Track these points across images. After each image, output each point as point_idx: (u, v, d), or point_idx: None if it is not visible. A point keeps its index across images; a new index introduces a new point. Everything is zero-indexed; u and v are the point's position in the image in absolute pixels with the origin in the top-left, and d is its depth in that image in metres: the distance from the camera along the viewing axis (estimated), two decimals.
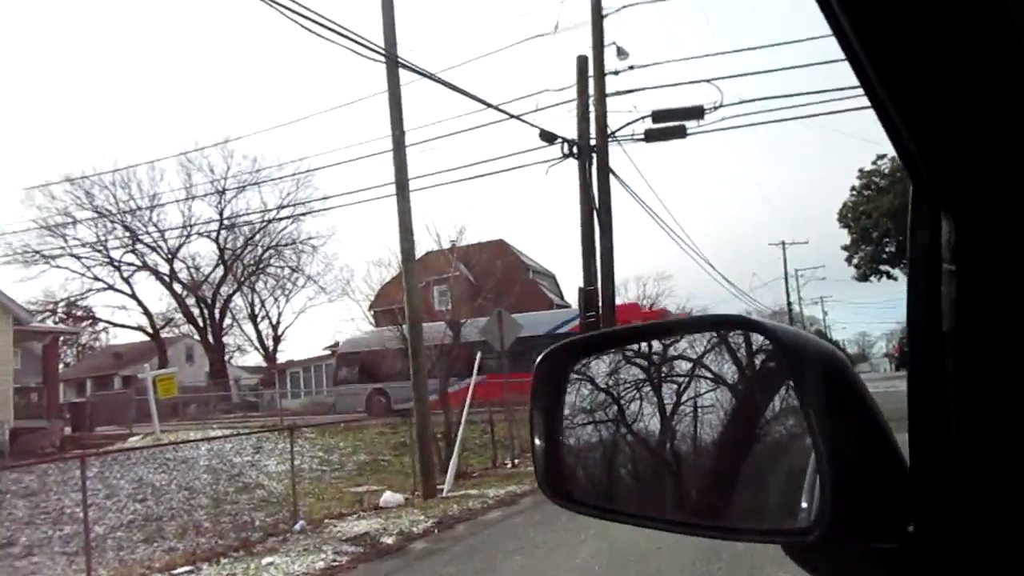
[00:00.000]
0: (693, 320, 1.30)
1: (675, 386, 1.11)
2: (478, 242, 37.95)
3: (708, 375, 1.08)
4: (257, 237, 44.78)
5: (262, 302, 48.92)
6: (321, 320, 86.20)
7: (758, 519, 0.96)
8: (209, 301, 44.43)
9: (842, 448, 0.79)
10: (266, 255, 45.79)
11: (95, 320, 44.84)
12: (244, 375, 49.85)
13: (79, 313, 43.40)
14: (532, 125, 17.20)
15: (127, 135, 72.28)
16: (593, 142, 18.71)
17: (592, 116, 18.88)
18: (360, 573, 8.18)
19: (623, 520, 1.08)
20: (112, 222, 40.38)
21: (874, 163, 43.44)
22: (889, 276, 44.54)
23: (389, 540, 9.50)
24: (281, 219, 43.56)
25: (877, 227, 42.58)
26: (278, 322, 49.65)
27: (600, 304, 18.50)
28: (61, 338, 25.93)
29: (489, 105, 15.99)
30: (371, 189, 39.46)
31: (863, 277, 45.62)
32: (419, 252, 40.91)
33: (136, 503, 14.10)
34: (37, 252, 37.29)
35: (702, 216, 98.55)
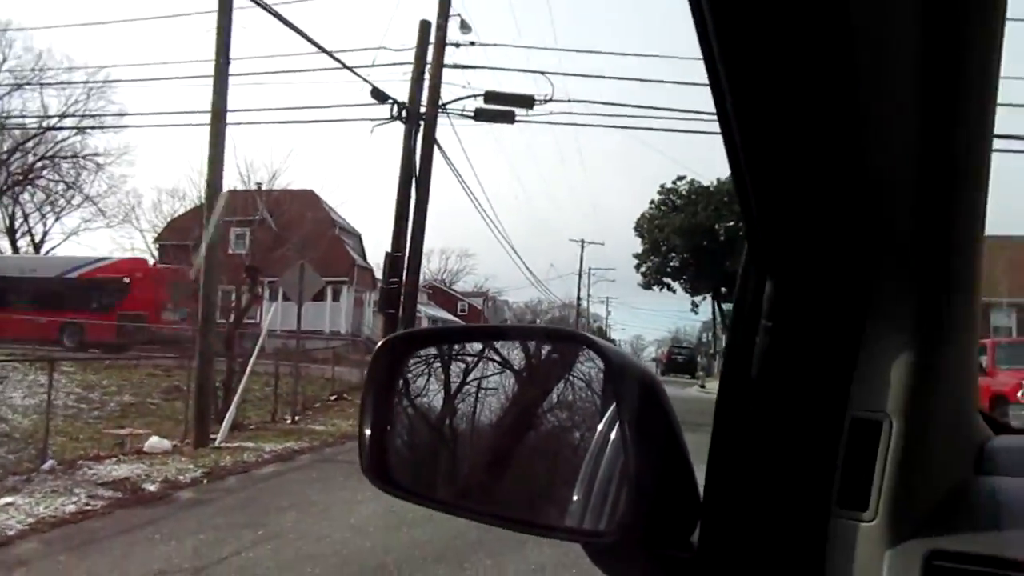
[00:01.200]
0: (531, 328, 1.44)
1: (502, 387, 1.15)
2: (287, 189, 36.45)
3: (535, 381, 1.15)
4: (31, 144, 39.99)
5: (26, 216, 43.80)
6: (95, 244, 78.53)
7: (562, 518, 1.01)
8: None
9: (646, 463, 0.85)
10: (38, 164, 41.03)
11: None
12: None
13: None
14: (364, 80, 16.81)
15: None
16: (423, 110, 18.60)
17: (426, 84, 18.76)
18: (116, 519, 7.64)
19: (438, 508, 1.12)
20: None
21: (674, 182, 46.78)
22: (669, 288, 48.31)
23: (152, 487, 8.95)
24: (63, 128, 39.26)
25: (667, 241, 45.91)
26: (42, 240, 44.66)
27: (405, 271, 18.49)
28: None
29: (323, 50, 15.38)
30: (177, 114, 36.52)
31: (647, 285, 49.08)
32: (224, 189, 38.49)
33: None
34: None
35: (512, 201, 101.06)
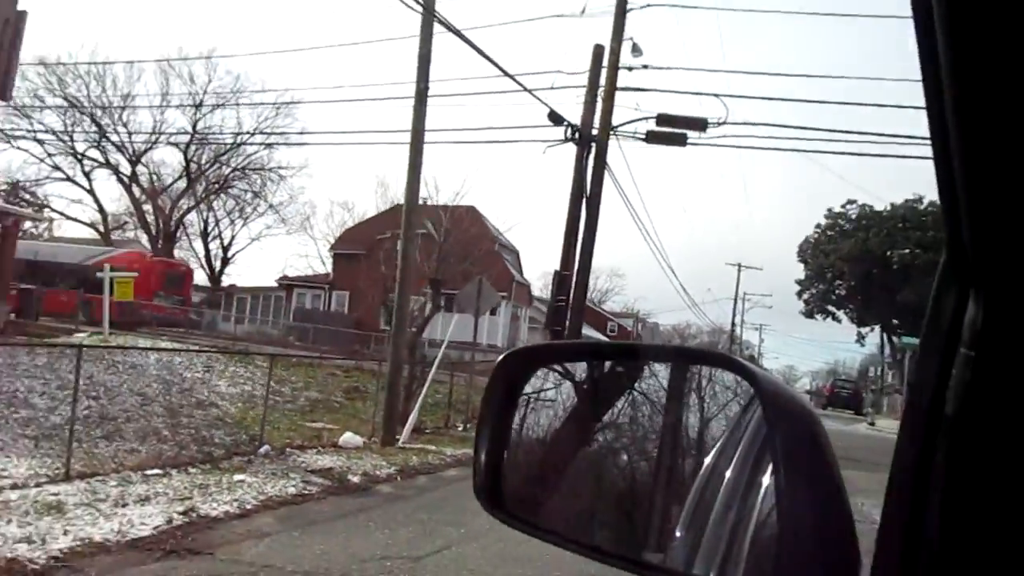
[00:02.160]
0: (666, 347, 1.35)
1: (627, 410, 1.08)
2: (450, 204, 38.00)
3: (674, 406, 1.05)
4: (226, 156, 43.92)
5: (217, 221, 48.09)
6: (274, 251, 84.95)
7: (700, 566, 0.90)
8: (167, 211, 43.47)
9: (802, 512, 0.75)
10: (232, 175, 44.96)
11: (43, 208, 43.40)
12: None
13: (27, 197, 41.93)
14: (543, 103, 17.40)
15: (108, 27, 69.27)
16: (595, 132, 19.02)
17: (599, 107, 19.17)
18: (331, 504, 8.44)
19: (553, 541, 1.03)
20: (81, 113, 39.10)
21: (843, 206, 44.87)
22: (834, 318, 46.18)
23: (355, 479, 9.76)
24: (254, 143, 42.85)
25: (833, 268, 44.02)
26: (229, 244, 48.88)
27: (573, 289, 18.91)
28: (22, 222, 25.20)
29: (506, 74, 16.11)
30: (354, 133, 39.01)
31: (810, 313, 47.22)
32: (390, 204, 40.45)
33: (89, 399, 14.01)
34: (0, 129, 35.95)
35: (670, 221, 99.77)
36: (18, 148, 38.43)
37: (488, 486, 1.08)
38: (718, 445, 0.99)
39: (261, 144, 42.89)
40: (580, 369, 1.20)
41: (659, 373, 1.08)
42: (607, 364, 1.20)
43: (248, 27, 66.16)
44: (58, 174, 40.51)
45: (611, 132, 19.31)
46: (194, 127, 41.63)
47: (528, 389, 1.14)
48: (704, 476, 0.98)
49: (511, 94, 17.62)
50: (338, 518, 7.89)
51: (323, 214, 65.05)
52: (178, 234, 45.59)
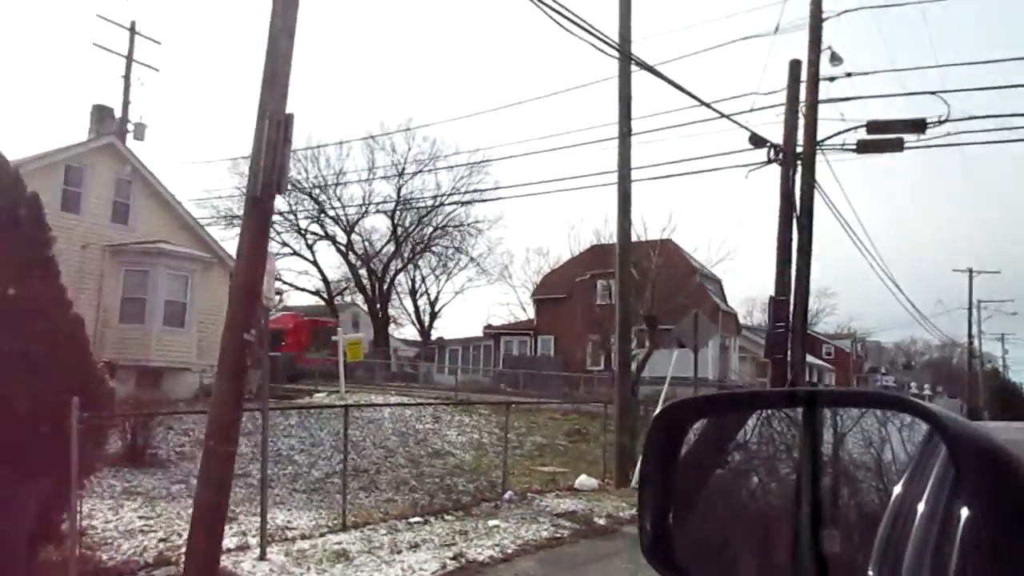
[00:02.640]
0: (845, 392, 1.15)
1: (810, 461, 1.01)
2: (646, 240, 37.83)
3: (852, 455, 0.99)
4: (427, 217, 46.63)
5: (423, 279, 51.00)
6: (477, 302, 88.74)
7: None
8: (379, 274, 46.75)
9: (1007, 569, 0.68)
10: (434, 234, 47.57)
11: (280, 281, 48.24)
12: (402, 347, 52.15)
13: None
14: (741, 126, 17.02)
15: (320, 114, 76.59)
16: (800, 149, 18.27)
17: (800, 123, 18.43)
18: (584, 547, 8.56)
19: None
20: (301, 192, 43.28)
21: None
22: None
23: (600, 521, 9.84)
24: (452, 203, 45.17)
25: None
26: (436, 299, 51.63)
27: (791, 316, 18.08)
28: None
29: (703, 103, 15.95)
30: (547, 182, 40.02)
31: None
32: (584, 245, 40.74)
33: (340, 454, 15.25)
34: (237, 216, 40.66)
35: (888, 231, 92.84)
36: None
37: (657, 546, 1.04)
38: (898, 489, 0.92)
39: (458, 202, 45.12)
40: (739, 419, 1.14)
41: (824, 418, 1.01)
42: (768, 412, 1.11)
43: (442, 92, 70.37)
44: (286, 249, 44.89)
45: (817, 147, 18.46)
46: (398, 193, 44.69)
47: (688, 443, 1.09)
48: (888, 525, 0.91)
49: (708, 122, 17.31)
50: (593, 561, 7.99)
51: (520, 261, 66.99)
52: (390, 293, 48.80)
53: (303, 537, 8.43)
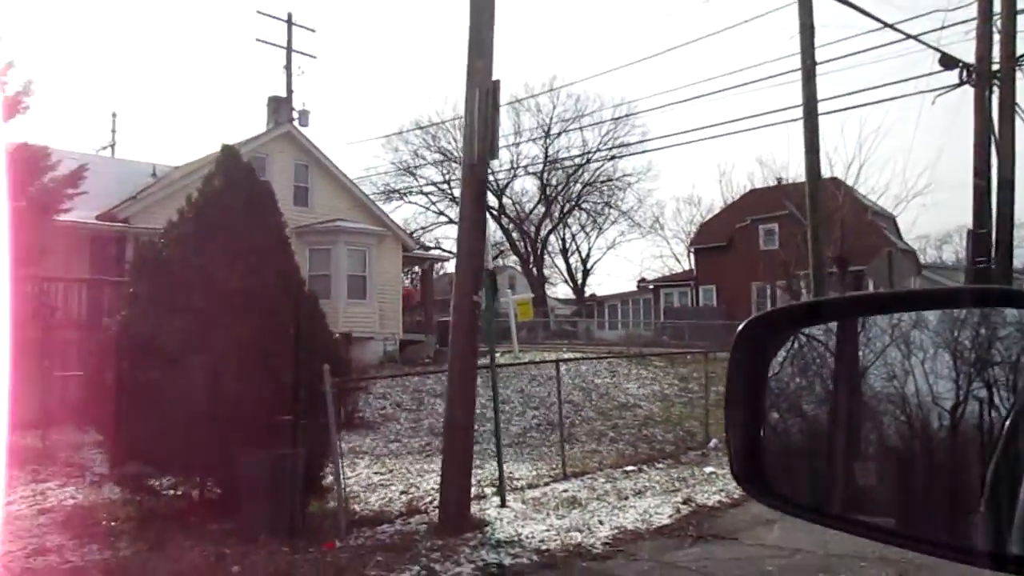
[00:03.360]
0: (952, 291, 0.98)
1: (911, 372, 0.92)
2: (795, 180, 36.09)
3: (961, 363, 0.88)
4: (576, 175, 46.60)
5: (573, 237, 51.18)
6: (627, 256, 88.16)
7: (1018, 543, 0.76)
8: (532, 235, 47.36)
9: None
10: (583, 191, 47.53)
11: (437, 249, 49.97)
12: (558, 305, 52.78)
13: (424, 243, 48.56)
14: (931, 47, 15.77)
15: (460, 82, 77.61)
16: (996, 67, 16.73)
17: (996, 38, 16.84)
18: None
19: (828, 524, 0.95)
20: (453, 162, 44.39)
21: None
22: None
23: None
24: (600, 158, 44.85)
25: None
26: (587, 256, 51.75)
27: (994, 249, 16.77)
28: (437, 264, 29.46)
29: (886, 24, 14.90)
30: (696, 130, 38.93)
31: None
32: (737, 191, 39.37)
33: (531, 410, 15.79)
34: (396, 190, 42.41)
35: None
36: (409, 202, 44.87)
37: (747, 469, 1.00)
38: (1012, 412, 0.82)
39: (606, 157, 44.77)
40: (842, 327, 1.04)
41: (934, 321, 0.91)
42: (870, 319, 1.01)
43: (585, 46, 69.40)
44: (442, 219, 46.36)
45: (1016, 63, 16.84)
46: (545, 153, 44.89)
47: (779, 357, 1.03)
48: (1006, 442, 0.81)
49: (890, 46, 16.09)
50: None
51: (671, 212, 65.76)
52: (543, 253, 49.37)
53: (530, 486, 8.86)
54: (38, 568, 6.62)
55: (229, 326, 7.64)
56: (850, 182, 24.71)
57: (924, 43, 15.67)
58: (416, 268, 29.18)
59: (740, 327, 1.04)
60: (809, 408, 1.05)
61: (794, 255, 20.49)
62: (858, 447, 0.99)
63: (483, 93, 7.47)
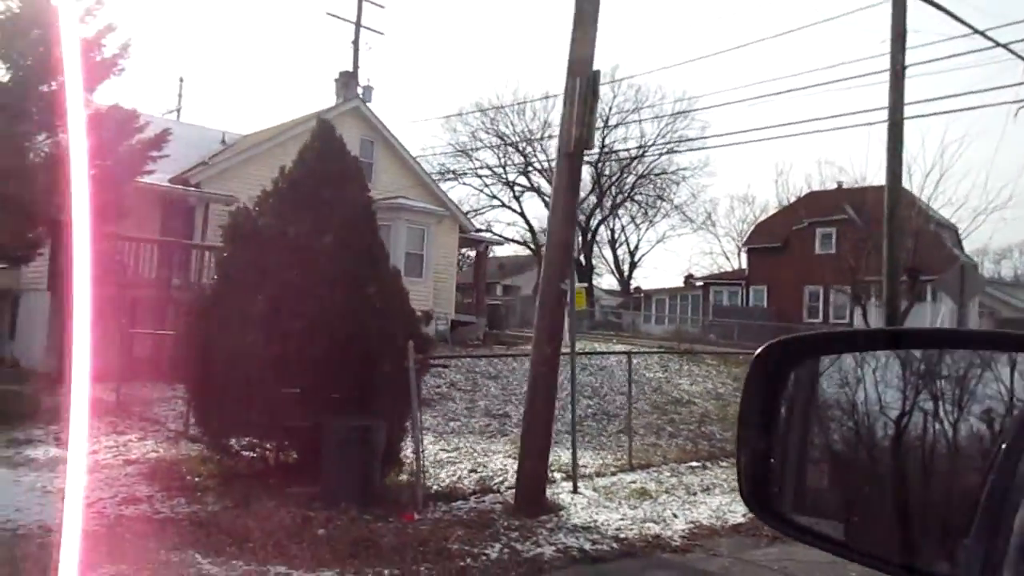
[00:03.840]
0: (967, 333, 1.07)
1: (930, 409, 0.93)
2: (872, 186, 35.36)
3: (975, 404, 0.90)
4: (630, 166, 46.30)
5: (622, 228, 50.92)
6: (675, 251, 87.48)
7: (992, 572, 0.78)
8: (583, 224, 47.22)
9: None
10: (638, 183, 47.23)
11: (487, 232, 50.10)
12: (603, 296, 52.67)
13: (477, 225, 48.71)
14: (1021, 57, 15.33)
15: (530, 66, 77.19)
16: None
17: None
18: None
19: (834, 551, 0.97)
20: (508, 146, 44.43)
21: None
22: None
23: None
24: (657, 152, 44.49)
25: None
26: (635, 248, 51.47)
27: None
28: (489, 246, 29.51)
29: (976, 31, 14.53)
30: (756, 130, 38.31)
31: None
32: (793, 192, 38.59)
33: (584, 399, 15.84)
34: (451, 171, 42.61)
35: None
36: (464, 184, 45.03)
37: (756, 492, 1.03)
38: (1001, 444, 0.84)
39: (662, 151, 44.40)
40: (851, 360, 1.06)
41: (942, 362, 0.94)
42: (880, 353, 1.04)
43: (649, 37, 68.62)
44: (495, 202, 46.47)
45: None
46: (602, 143, 44.61)
47: (792, 384, 1.05)
48: (996, 479, 0.83)
49: (976, 53, 15.64)
50: None
51: (723, 210, 65.03)
52: (593, 243, 49.22)
53: (597, 475, 8.95)
54: (131, 515, 6.91)
55: (320, 296, 7.83)
56: (927, 192, 24.07)
57: (1013, 52, 15.25)
58: (467, 250, 29.34)
59: (758, 351, 1.07)
60: (820, 437, 1.07)
61: (864, 261, 20.06)
62: (861, 479, 1.02)
63: (583, 82, 7.51)
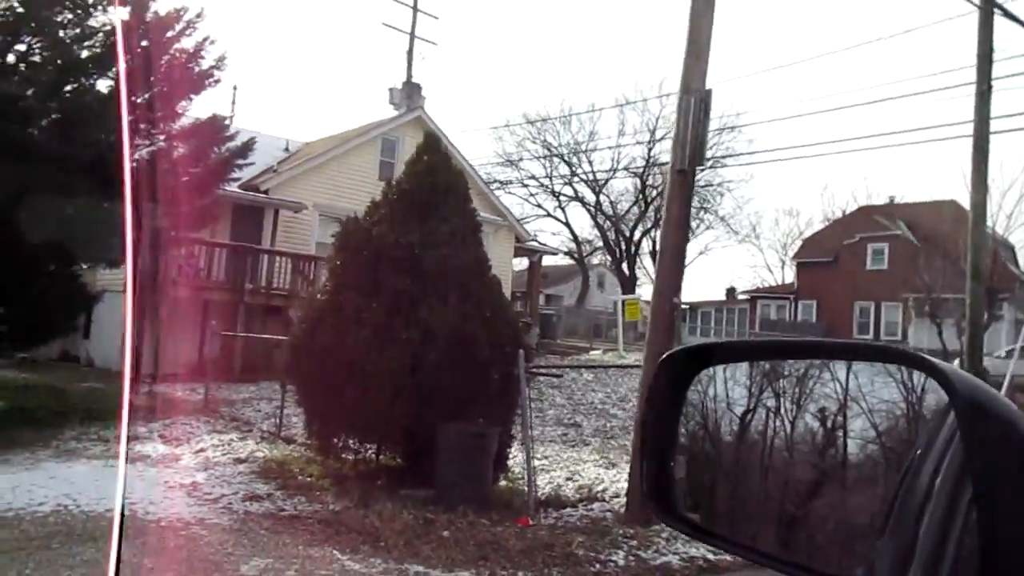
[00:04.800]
0: (852, 345, 1.13)
1: (809, 415, 0.99)
2: (925, 201, 35.03)
3: (849, 409, 0.96)
4: None
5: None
6: (717, 263, 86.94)
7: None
8: (628, 234, 47.27)
9: (1011, 537, 0.64)
10: None
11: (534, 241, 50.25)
12: (645, 308, 52.49)
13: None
14: None
15: (576, 78, 77.41)
16: None
17: None
18: None
19: (722, 546, 1.01)
20: (555, 156, 44.66)
21: None
22: None
23: None
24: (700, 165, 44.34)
25: None
26: None
27: None
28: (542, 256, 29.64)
29: None
30: (802, 147, 38.12)
31: None
32: (846, 205, 38.30)
33: None
34: (497, 181, 42.90)
35: None
36: (509, 193, 45.31)
37: (655, 493, 1.06)
38: (916, 452, 0.88)
39: (709, 164, 44.25)
40: (750, 369, 1.12)
41: (838, 372, 0.98)
42: (782, 362, 1.10)
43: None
44: (540, 211, 46.67)
45: None
46: (648, 154, 44.70)
47: (694, 390, 1.10)
48: (898, 486, 0.88)
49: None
50: None
51: (768, 223, 64.68)
52: (637, 254, 49.20)
53: None
54: (258, 512, 7.17)
55: (432, 305, 8.07)
56: (1007, 211, 23.80)
57: None
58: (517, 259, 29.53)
59: (662, 359, 1.12)
60: (712, 441, 1.12)
61: (939, 279, 19.82)
62: (758, 482, 1.06)
63: (696, 101, 7.67)
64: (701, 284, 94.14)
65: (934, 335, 26.71)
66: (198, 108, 14.50)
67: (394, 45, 55.51)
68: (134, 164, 12.73)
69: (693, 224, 49.47)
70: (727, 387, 1.10)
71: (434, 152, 9.12)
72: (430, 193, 8.74)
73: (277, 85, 73.47)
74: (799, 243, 42.74)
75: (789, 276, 45.56)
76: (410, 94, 25.15)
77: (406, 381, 7.83)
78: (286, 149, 24.54)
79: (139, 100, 12.34)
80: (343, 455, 8.80)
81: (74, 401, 12.16)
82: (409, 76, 31.62)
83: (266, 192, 20.49)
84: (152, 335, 16.78)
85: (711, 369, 1.11)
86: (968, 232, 12.68)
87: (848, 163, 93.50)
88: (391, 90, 29.91)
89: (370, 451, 8.78)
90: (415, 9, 32.10)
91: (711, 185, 47.15)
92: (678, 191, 7.76)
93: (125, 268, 14.95)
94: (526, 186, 45.31)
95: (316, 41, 73.56)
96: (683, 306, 7.34)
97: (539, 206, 46.42)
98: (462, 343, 7.99)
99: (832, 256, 36.55)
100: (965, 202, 30.05)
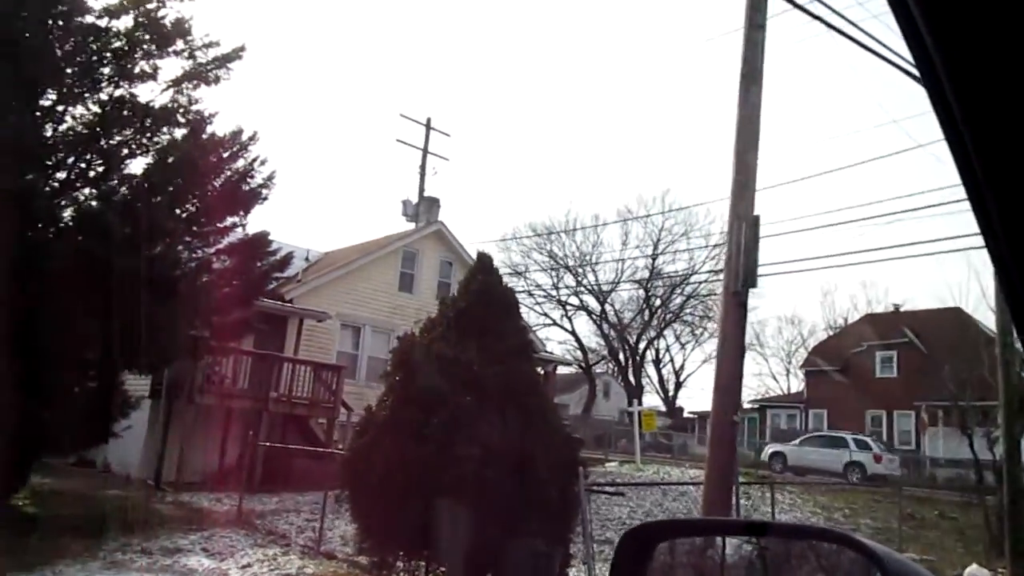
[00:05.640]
0: (800, 527, 1.17)
1: None
2: (929, 308, 35.52)
3: None
4: (680, 287, 46.95)
5: (667, 347, 51.06)
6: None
7: None
8: (632, 343, 47.55)
9: None
10: (686, 302, 47.73)
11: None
12: (659, 418, 52.18)
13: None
14: None
15: (582, 191, 79.52)
16: None
17: None
18: None
19: None
20: (559, 266, 45.48)
21: None
22: None
23: None
24: (707, 272, 45.20)
25: None
26: (681, 368, 51.41)
27: None
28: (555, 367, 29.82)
29: None
30: (795, 261, 39.07)
31: None
32: (847, 312, 38.56)
33: None
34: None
35: None
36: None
37: None
38: None
39: (710, 273, 45.09)
40: (705, 543, 1.23)
41: (779, 550, 1.10)
42: (736, 540, 1.19)
43: (699, 163, 70.79)
44: (546, 319, 47.09)
45: None
46: (652, 264, 45.56)
47: (654, 559, 1.17)
48: None
49: None
50: None
51: (770, 331, 65.16)
52: (642, 363, 49.34)
53: None
54: None
55: (492, 422, 8.23)
56: None
57: None
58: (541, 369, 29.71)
59: (623, 535, 1.18)
60: None
61: (968, 388, 19.84)
62: None
63: (748, 225, 8.11)
64: (707, 393, 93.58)
65: (951, 443, 26.54)
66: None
67: (407, 160, 57.38)
68: (182, 275, 13.11)
69: (697, 332, 50.05)
70: (688, 561, 1.21)
71: (488, 272, 9.50)
72: (486, 311, 9.06)
73: (291, 195, 75.37)
74: (803, 351, 43.04)
75: (795, 384, 45.66)
76: (428, 207, 25.94)
77: (467, 498, 7.89)
78: (307, 259, 25.09)
79: (192, 214, 12.85)
80: (399, 574, 8.74)
81: (106, 509, 12.05)
82: (422, 189, 32.71)
83: (291, 301, 20.85)
84: (176, 442, 16.77)
85: (666, 543, 1.21)
86: (998, 349, 12.95)
87: (847, 270, 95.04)
88: (404, 202, 30.94)
89: (428, 571, 8.72)
90: (428, 127, 33.54)
91: (714, 294, 47.93)
92: (732, 311, 8.09)
93: (161, 375, 15.18)
94: (532, 295, 45.90)
95: (330, 153, 76.05)
96: (735, 420, 7.55)
97: (545, 315, 46.89)
98: (522, 460, 8.10)
99: (841, 365, 36.74)
100: (970, 310, 30.48)
